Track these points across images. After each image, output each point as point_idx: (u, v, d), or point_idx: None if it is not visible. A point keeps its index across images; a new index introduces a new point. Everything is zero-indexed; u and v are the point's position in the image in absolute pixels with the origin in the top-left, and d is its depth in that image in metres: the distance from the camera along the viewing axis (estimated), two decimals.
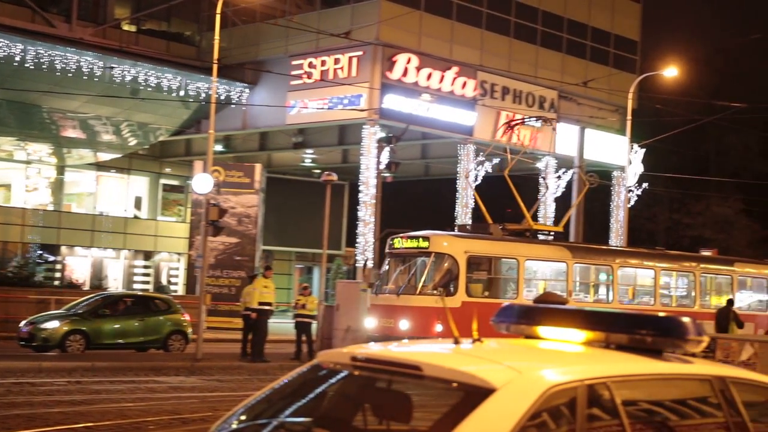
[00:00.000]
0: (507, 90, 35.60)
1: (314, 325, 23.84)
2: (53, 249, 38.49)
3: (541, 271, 22.73)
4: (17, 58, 31.08)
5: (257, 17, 35.44)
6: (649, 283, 24.53)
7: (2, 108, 34.20)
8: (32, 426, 11.66)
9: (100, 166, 40.56)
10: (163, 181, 43.58)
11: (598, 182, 30.54)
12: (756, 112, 41.43)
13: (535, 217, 25.07)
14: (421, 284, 20.25)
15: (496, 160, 32.36)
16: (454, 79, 33.53)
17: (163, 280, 42.52)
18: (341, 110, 32.42)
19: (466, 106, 33.91)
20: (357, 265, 31.71)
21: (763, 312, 26.37)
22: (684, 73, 37.59)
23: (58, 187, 39.89)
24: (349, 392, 4.29)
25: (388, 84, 31.86)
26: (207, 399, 15.47)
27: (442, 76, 33.21)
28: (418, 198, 50.42)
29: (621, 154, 36.63)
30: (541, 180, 35.78)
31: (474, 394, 3.64)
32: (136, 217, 42.49)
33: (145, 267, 42.66)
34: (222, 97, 34.00)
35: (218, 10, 23.54)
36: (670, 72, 35.32)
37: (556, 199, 37.38)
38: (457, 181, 34.73)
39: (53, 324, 21.79)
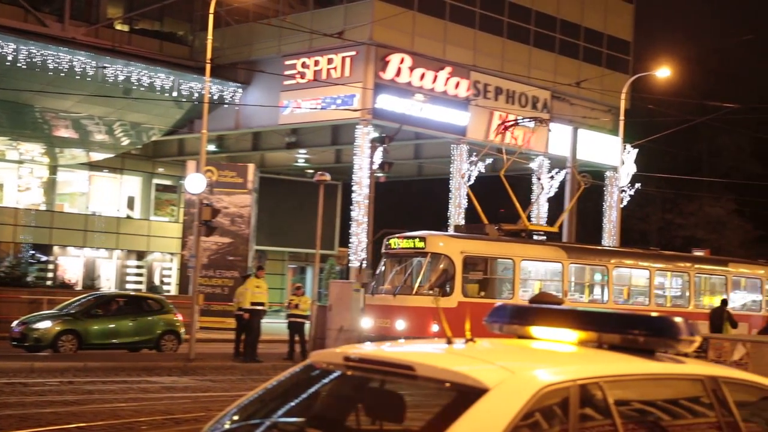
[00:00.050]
0: (500, 90, 35.63)
1: (307, 325, 23.83)
2: (45, 249, 38.40)
3: (536, 272, 22.80)
4: (9, 58, 31.00)
5: (250, 17, 35.41)
6: (644, 283, 24.62)
7: None
8: (24, 426, 11.63)
9: (93, 166, 40.47)
10: (155, 181, 43.51)
11: (591, 182, 30.59)
12: (748, 113, 41.58)
13: (528, 218, 25.11)
14: (417, 284, 20.31)
15: (489, 161, 32.39)
16: (447, 79, 33.54)
17: (156, 280, 42.45)
18: (334, 110, 32.40)
19: (459, 107, 33.93)
20: (350, 265, 31.70)
21: (758, 312, 26.46)
22: (676, 73, 37.68)
23: (50, 186, 39.80)
24: (342, 392, 4.29)
25: (381, 84, 31.86)
26: (200, 399, 15.45)
27: (435, 76, 33.23)
28: (411, 198, 50.42)
29: (614, 155, 36.71)
30: (536, 180, 35.84)
31: (467, 394, 3.64)
32: (128, 217, 42.41)
33: (138, 267, 42.59)
34: (215, 97, 33.96)
35: (211, 9, 23.52)
36: (663, 72, 35.42)
37: (549, 200, 37.43)
38: (450, 182, 34.73)
39: (45, 324, 21.73)
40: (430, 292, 19.97)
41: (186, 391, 16.48)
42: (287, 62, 33.73)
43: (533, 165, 36.73)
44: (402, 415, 3.85)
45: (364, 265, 27.06)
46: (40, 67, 31.62)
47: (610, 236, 38.53)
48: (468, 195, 28.34)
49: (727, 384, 4.37)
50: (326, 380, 4.30)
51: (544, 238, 23.75)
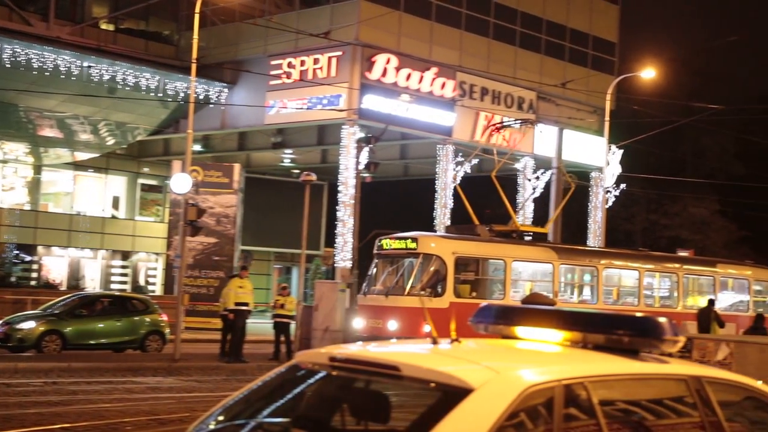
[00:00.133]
0: (486, 91, 35.68)
1: (293, 326, 23.81)
2: (30, 249, 38.22)
3: (527, 272, 22.90)
4: None
5: (236, 17, 35.32)
6: (633, 284, 24.75)
7: None
8: (8, 427, 11.57)
9: (78, 166, 40.32)
10: (141, 180, 43.38)
11: (577, 183, 30.68)
12: (732, 114, 41.82)
13: None
14: (409, 285, 20.36)
15: (475, 161, 32.44)
16: (433, 79, 33.57)
17: (141, 281, 42.33)
18: (320, 110, 32.39)
19: (445, 107, 33.96)
20: (336, 265, 31.70)
21: (745, 313, 26.60)
22: (661, 74, 37.84)
23: (34, 186, 39.62)
24: (328, 393, 4.29)
25: (367, 84, 31.85)
26: (185, 399, 15.41)
27: (422, 77, 33.25)
28: (397, 198, 50.44)
29: (599, 155, 36.83)
30: (525, 181, 35.93)
31: (452, 394, 3.65)
32: (113, 217, 42.27)
33: (123, 267, 42.45)
34: (201, 97, 33.88)
35: (197, 9, 23.45)
36: (648, 73, 35.55)
37: (534, 200, 37.52)
38: (436, 182, 34.77)
39: (29, 324, 21.62)
40: (422, 292, 20.01)
41: (171, 392, 16.44)
42: (273, 62, 33.68)
43: (518, 165, 36.82)
44: (387, 415, 3.86)
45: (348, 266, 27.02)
46: (25, 66, 31.47)
47: (595, 237, 38.65)
48: (456, 195, 28.37)
49: (710, 384, 4.39)
50: (312, 380, 4.30)
51: (530, 238, 23.83)
